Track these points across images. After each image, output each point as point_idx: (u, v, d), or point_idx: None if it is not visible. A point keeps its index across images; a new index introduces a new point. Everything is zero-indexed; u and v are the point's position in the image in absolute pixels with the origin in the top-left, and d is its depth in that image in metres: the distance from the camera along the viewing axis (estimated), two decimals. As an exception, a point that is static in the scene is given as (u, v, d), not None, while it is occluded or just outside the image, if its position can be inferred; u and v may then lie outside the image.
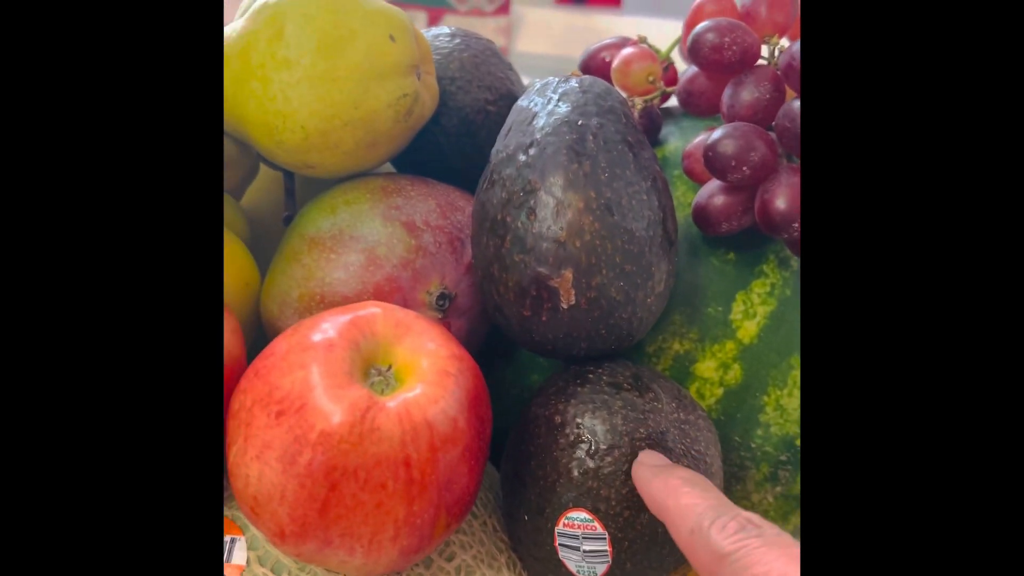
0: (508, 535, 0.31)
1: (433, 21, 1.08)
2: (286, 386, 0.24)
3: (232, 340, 0.29)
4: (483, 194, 0.31)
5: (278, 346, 0.26)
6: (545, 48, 1.15)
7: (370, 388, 0.25)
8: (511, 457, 0.30)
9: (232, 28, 0.33)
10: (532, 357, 0.37)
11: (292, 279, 0.32)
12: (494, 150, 0.31)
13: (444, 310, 0.32)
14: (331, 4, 0.31)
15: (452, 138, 0.38)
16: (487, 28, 1.06)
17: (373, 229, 0.32)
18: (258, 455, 0.24)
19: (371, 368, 0.26)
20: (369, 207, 0.32)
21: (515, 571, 0.31)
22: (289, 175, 0.39)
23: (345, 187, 0.34)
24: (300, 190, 0.40)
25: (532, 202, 0.29)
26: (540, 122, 0.30)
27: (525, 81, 0.41)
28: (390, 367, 0.26)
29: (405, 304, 0.31)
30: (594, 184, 0.28)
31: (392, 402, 0.25)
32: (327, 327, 0.26)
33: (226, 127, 0.33)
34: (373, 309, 0.27)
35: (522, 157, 0.30)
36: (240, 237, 0.36)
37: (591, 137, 0.29)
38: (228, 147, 0.36)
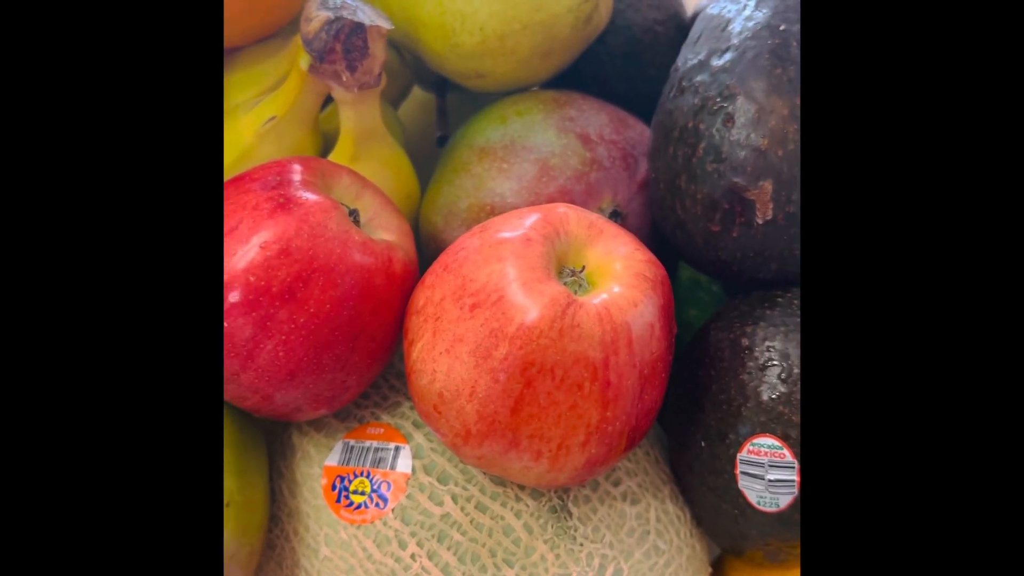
0: (673, 466, 0.30)
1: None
2: (481, 279, 0.23)
3: (406, 243, 0.28)
4: (669, 103, 0.29)
5: (468, 242, 0.25)
6: None
7: (562, 283, 0.24)
8: (685, 383, 0.29)
9: (407, -70, 0.32)
10: (691, 290, 0.36)
11: (460, 189, 0.31)
12: (680, 58, 0.30)
13: (615, 228, 0.31)
14: (518, -100, 0.29)
15: (617, 59, 0.36)
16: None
17: (547, 139, 0.30)
18: (448, 349, 0.23)
19: (564, 268, 0.24)
20: (542, 117, 0.31)
21: (678, 503, 0.29)
22: (442, 95, 0.38)
23: (515, 98, 0.32)
24: (450, 115, 0.39)
25: (730, 108, 0.27)
26: (736, 27, 0.28)
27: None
28: (583, 268, 0.25)
29: (576, 219, 0.30)
30: (799, 90, 0.26)
31: (592, 301, 0.23)
32: (520, 223, 0.24)
33: (396, 31, 0.32)
34: (563, 209, 0.25)
35: (716, 62, 0.28)
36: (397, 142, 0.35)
37: (794, 43, 0.27)
38: (390, 58, 0.35)
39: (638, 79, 0.36)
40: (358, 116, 0.30)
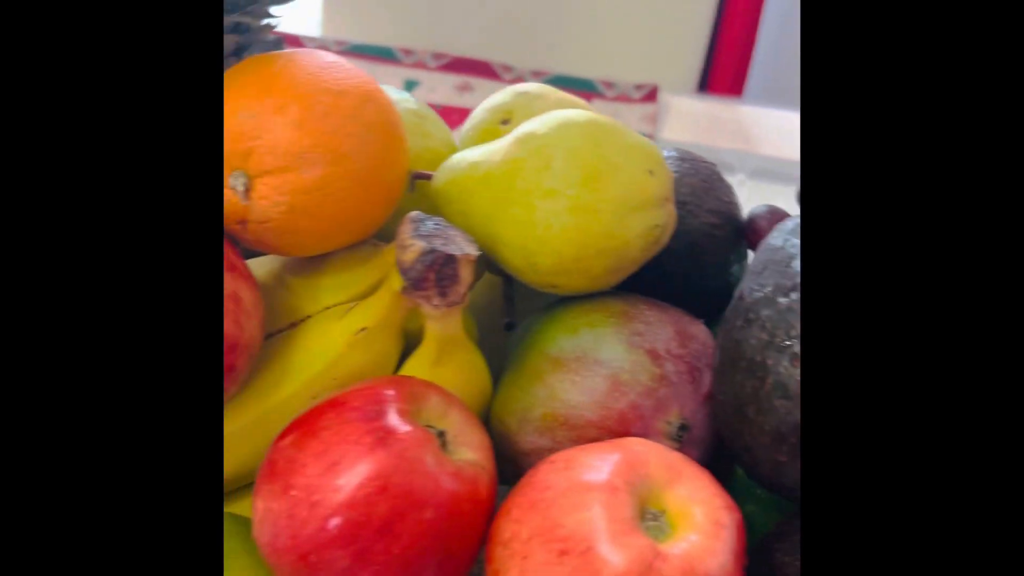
0: None
1: (580, 105, 1.11)
2: (570, 525, 0.25)
3: (488, 461, 0.30)
4: (737, 332, 0.31)
5: (553, 480, 0.27)
6: (689, 136, 1.16)
7: (647, 534, 0.25)
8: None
9: (490, 151, 0.35)
10: (749, 485, 0.37)
11: (535, 397, 0.33)
12: (746, 287, 0.32)
13: (681, 440, 0.32)
14: (595, 138, 0.32)
15: (677, 260, 0.38)
16: (634, 115, 1.08)
17: (617, 354, 0.32)
18: (535, 590, 0.25)
19: (646, 512, 0.26)
20: (613, 331, 0.33)
21: None
22: (510, 283, 0.41)
23: (585, 308, 0.35)
24: (517, 297, 0.41)
25: (796, 348, 0.29)
26: (798, 266, 0.30)
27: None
28: (663, 512, 0.26)
29: (645, 432, 0.32)
30: (862, 336, 0.28)
31: (673, 551, 0.25)
32: (602, 466, 0.26)
33: (477, 242, 0.35)
34: (640, 447, 0.27)
35: (783, 300, 0.30)
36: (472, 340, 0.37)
37: (856, 286, 0.29)
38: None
39: (695, 276, 0.39)
40: (442, 327, 0.33)
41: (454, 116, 1.09)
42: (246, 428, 0.32)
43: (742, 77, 1.36)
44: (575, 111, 0.34)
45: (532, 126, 0.34)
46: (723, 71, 1.36)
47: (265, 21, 0.40)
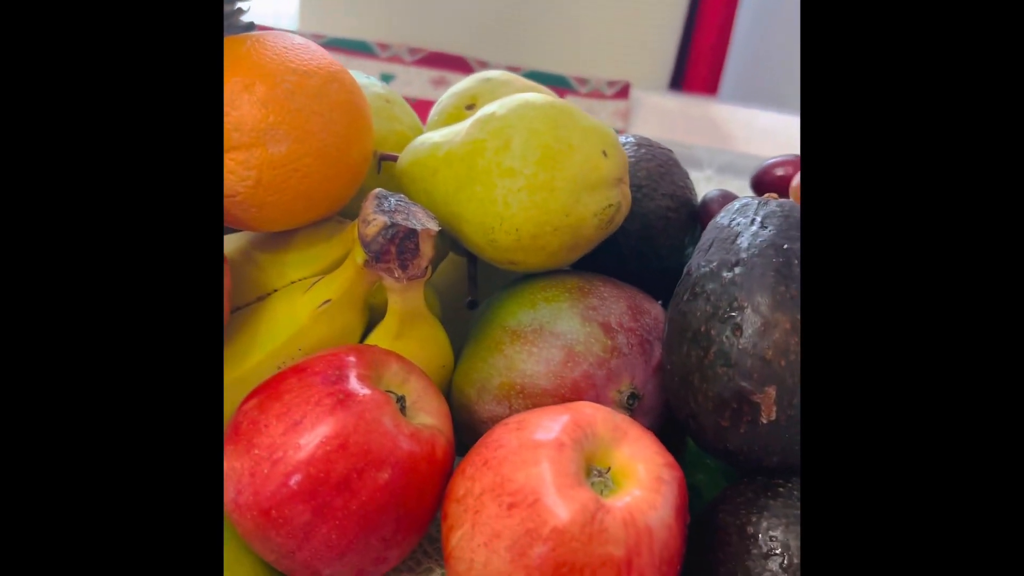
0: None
1: (554, 101, 1.12)
2: (519, 480, 0.26)
3: (446, 425, 0.31)
4: (684, 304, 0.32)
5: (506, 439, 0.28)
6: (660, 132, 1.18)
7: (591, 488, 0.27)
8: (695, 564, 0.31)
9: (452, 132, 0.36)
10: (699, 455, 0.39)
11: (493, 367, 0.34)
12: (694, 263, 0.33)
13: (632, 409, 0.34)
14: (553, 120, 0.34)
15: (632, 241, 0.40)
16: (606, 111, 1.10)
17: (572, 327, 0.34)
18: (486, 543, 0.26)
19: (592, 468, 0.27)
20: (568, 305, 0.35)
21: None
22: (473, 262, 0.42)
23: (542, 283, 0.36)
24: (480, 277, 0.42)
25: (739, 318, 0.30)
26: (744, 242, 0.32)
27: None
28: (608, 469, 0.28)
29: (597, 400, 0.33)
30: (799, 307, 0.30)
31: (616, 504, 0.26)
32: (552, 425, 0.28)
33: (440, 220, 0.36)
34: (588, 410, 0.29)
35: (727, 274, 0.31)
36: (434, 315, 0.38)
37: (796, 262, 0.31)
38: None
39: (651, 256, 0.40)
40: (404, 301, 0.34)
41: (429, 109, 1.11)
42: (213, 397, 0.33)
43: (716, 76, 1.39)
44: (534, 95, 0.35)
45: (492, 108, 0.35)
46: (698, 70, 1.39)
47: (238, 5, 0.41)
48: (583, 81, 1.16)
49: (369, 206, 0.33)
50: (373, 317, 0.36)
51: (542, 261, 0.35)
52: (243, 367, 0.34)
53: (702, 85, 1.39)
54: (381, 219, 0.32)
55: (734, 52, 1.37)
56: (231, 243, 0.37)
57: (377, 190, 0.34)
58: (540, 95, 0.35)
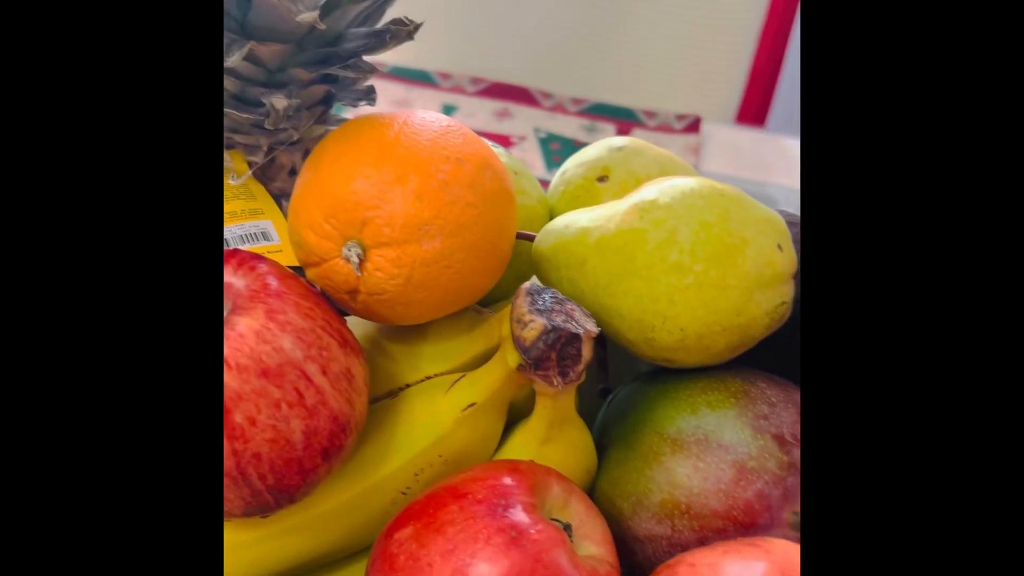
0: None
1: (622, 133, 1.10)
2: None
3: (611, 555, 0.28)
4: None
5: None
6: (732, 169, 1.14)
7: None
8: None
9: (603, 216, 0.33)
10: None
11: (652, 481, 0.31)
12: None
13: (808, 531, 0.30)
14: (725, 211, 0.31)
15: (785, 329, 0.37)
16: (676, 145, 1.07)
17: (743, 439, 0.31)
18: None
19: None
20: (736, 413, 0.31)
21: None
22: (603, 345, 0.39)
23: (702, 384, 0.33)
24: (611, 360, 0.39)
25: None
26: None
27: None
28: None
29: (771, 523, 0.30)
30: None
31: None
32: None
33: (591, 312, 0.33)
34: (789, 553, 0.25)
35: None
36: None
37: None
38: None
39: (795, 340, 0.37)
40: (555, 406, 0.31)
41: (493, 142, 1.08)
42: (348, 503, 0.31)
43: (766, 107, 1.36)
44: (695, 180, 0.32)
45: (651, 194, 0.32)
46: (748, 101, 1.35)
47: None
48: (651, 114, 1.13)
49: (523, 304, 0.30)
50: (510, 414, 0.33)
51: (702, 360, 0.32)
52: (380, 473, 0.31)
53: (751, 116, 1.35)
54: (540, 322, 0.29)
55: (783, 83, 1.34)
56: (357, 329, 0.35)
57: (528, 285, 0.31)
58: (702, 180, 0.32)
